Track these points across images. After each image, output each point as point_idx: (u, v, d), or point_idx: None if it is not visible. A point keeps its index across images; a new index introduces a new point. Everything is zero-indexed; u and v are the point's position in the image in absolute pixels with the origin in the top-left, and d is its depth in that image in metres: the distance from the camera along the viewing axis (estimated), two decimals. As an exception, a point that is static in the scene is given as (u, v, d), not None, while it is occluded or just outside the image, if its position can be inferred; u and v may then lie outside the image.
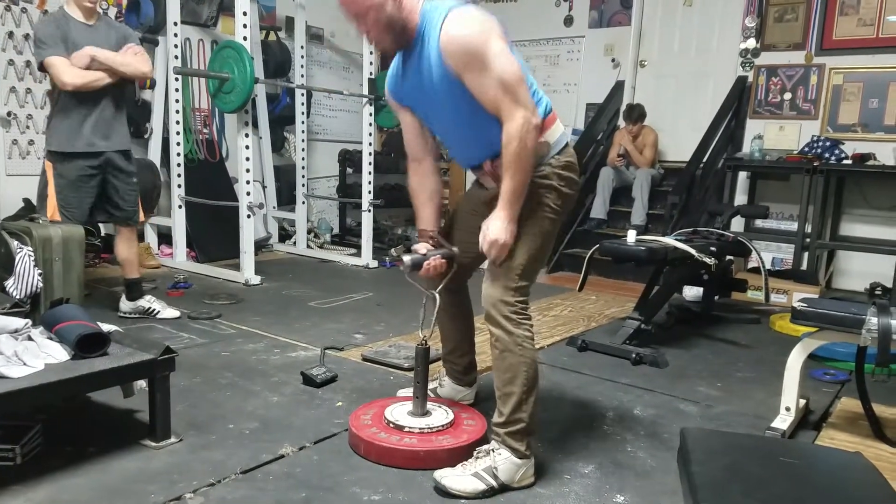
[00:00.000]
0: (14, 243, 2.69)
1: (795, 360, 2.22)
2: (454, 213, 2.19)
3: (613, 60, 5.97)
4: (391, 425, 2.00)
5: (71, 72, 2.93)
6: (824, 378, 2.84)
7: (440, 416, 2.06)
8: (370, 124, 5.06)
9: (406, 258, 1.99)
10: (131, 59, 3.08)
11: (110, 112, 3.12)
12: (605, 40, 5.95)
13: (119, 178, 3.20)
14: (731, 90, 5.30)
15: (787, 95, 5.23)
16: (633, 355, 2.98)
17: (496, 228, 1.78)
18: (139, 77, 3.21)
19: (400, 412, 2.07)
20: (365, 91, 5.00)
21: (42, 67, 2.99)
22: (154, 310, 3.33)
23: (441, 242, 2.05)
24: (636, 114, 5.37)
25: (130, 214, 3.28)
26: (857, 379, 2.29)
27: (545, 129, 1.86)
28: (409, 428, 1.98)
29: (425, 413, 2.06)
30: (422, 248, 2.03)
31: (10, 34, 4.16)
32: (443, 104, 1.83)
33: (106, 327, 2.11)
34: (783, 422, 2.21)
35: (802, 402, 2.36)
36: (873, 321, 2.03)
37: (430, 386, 2.28)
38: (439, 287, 2.04)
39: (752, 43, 5.34)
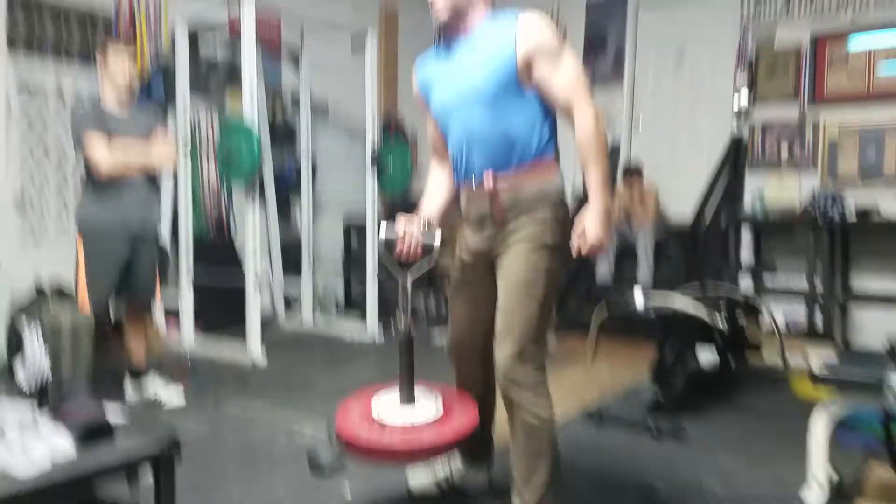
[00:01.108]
0: (25, 331, 2.69)
1: (819, 427, 2.16)
2: (455, 285, 2.11)
3: (607, 122, 6.06)
4: (376, 422, 1.90)
5: (106, 155, 3.02)
6: (851, 444, 2.74)
7: (428, 409, 1.96)
8: (373, 191, 5.11)
9: (381, 234, 1.96)
10: (156, 153, 3.19)
11: (144, 191, 3.19)
12: (598, 102, 6.03)
13: (144, 260, 3.22)
14: (727, 146, 5.34)
15: (784, 149, 5.27)
16: (652, 428, 2.90)
17: (594, 226, 1.77)
18: (163, 168, 3.38)
19: (388, 403, 1.98)
20: (368, 159, 5.08)
21: (79, 152, 3.08)
22: (158, 395, 3.29)
23: (429, 226, 1.99)
24: (633, 171, 5.41)
25: (149, 297, 3.31)
26: (887, 444, 2.22)
27: (553, 170, 1.88)
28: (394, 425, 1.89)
29: (412, 404, 1.96)
30: (403, 225, 1.97)
31: (28, 120, 4.25)
32: (481, 94, 1.83)
33: (112, 415, 2.08)
34: (811, 493, 2.14)
35: (830, 470, 2.28)
36: (896, 382, 1.98)
37: (441, 475, 2.22)
38: (412, 276, 1.96)
39: (744, 99, 5.42)
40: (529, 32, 1.79)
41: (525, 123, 1.84)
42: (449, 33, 1.93)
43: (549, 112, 1.88)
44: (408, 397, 1.95)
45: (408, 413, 1.90)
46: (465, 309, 2.08)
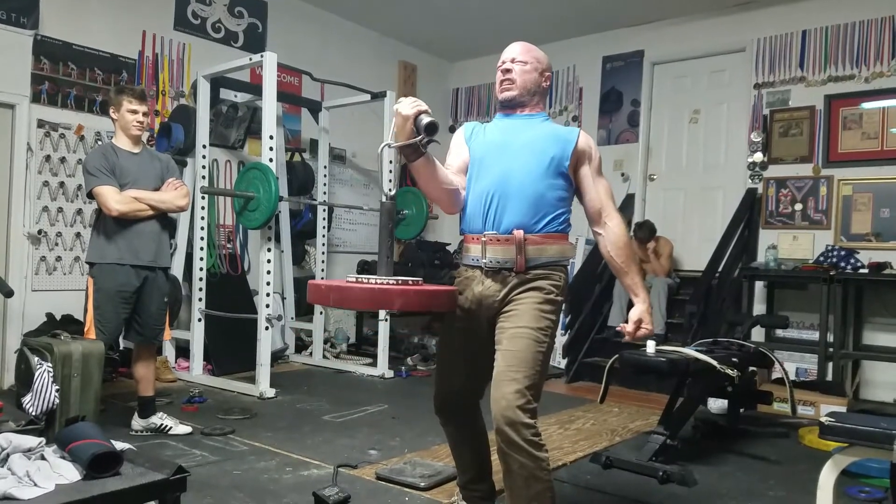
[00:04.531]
0: (35, 359, 2.73)
1: (827, 479, 2.13)
2: (451, 336, 2.13)
3: (623, 175, 6.15)
4: (356, 280, 1.82)
5: (117, 199, 3.12)
6: (860, 496, 2.70)
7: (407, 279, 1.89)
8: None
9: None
10: (169, 196, 3.28)
11: (156, 229, 3.27)
12: (614, 156, 6.16)
13: (154, 296, 3.28)
14: (741, 201, 5.39)
15: (798, 206, 5.30)
16: (660, 473, 2.85)
17: (648, 318, 2.00)
18: (176, 211, 3.47)
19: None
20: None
21: (91, 195, 3.17)
22: (166, 426, 3.30)
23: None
24: (646, 231, 5.42)
25: (156, 333, 3.35)
26: (893, 497, 2.18)
27: (570, 243, 2.05)
28: (375, 280, 1.81)
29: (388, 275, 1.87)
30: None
31: (48, 157, 4.40)
32: (538, 154, 2.00)
33: (119, 445, 2.09)
34: (820, 545, 2.09)
35: (840, 524, 2.24)
36: (904, 436, 1.95)
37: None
38: (395, 143, 1.87)
39: (759, 156, 5.49)
40: (588, 141, 2.08)
41: (558, 200, 2.02)
42: (507, 109, 2.12)
43: (570, 208, 2.09)
44: (387, 272, 1.87)
45: (384, 278, 1.84)
46: (462, 359, 2.10)
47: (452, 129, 7.05)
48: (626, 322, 2.04)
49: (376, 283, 1.78)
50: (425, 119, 1.82)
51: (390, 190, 1.99)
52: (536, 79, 2.10)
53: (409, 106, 1.82)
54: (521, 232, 1.95)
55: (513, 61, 2.09)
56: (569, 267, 2.11)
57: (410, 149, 1.85)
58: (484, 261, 2.00)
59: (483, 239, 2.00)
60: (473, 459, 2.20)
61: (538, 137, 2.04)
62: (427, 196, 2.04)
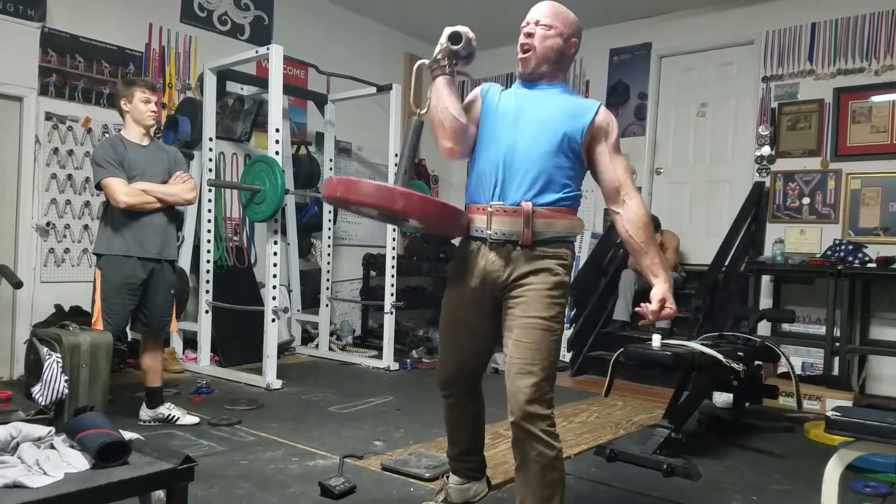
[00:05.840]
0: (44, 350, 2.75)
1: (832, 473, 2.12)
2: (450, 320, 2.12)
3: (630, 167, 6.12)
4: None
5: (125, 191, 3.13)
6: (865, 491, 2.69)
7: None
8: (394, 229, 5.18)
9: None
10: (177, 189, 3.30)
11: (163, 222, 3.28)
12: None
13: (160, 288, 3.30)
14: (748, 195, 5.37)
15: (806, 200, 5.27)
16: (665, 466, 2.86)
17: (671, 299, 1.94)
18: (183, 205, 3.47)
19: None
20: (389, 199, 5.15)
21: (99, 187, 3.19)
22: (174, 416, 3.33)
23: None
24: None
25: (163, 325, 3.37)
26: (901, 493, 2.18)
27: (578, 218, 2.00)
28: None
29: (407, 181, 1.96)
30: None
31: (56, 150, 4.42)
32: (551, 129, 1.93)
33: (127, 435, 2.11)
34: (824, 539, 2.09)
35: (844, 517, 2.24)
36: (911, 431, 1.95)
37: (438, 498, 2.25)
38: (435, 61, 1.98)
39: (766, 150, 5.46)
40: (607, 116, 2.00)
41: (566, 178, 1.95)
42: (527, 80, 2.05)
43: (580, 185, 2.03)
44: (402, 177, 1.94)
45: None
46: (464, 334, 2.07)
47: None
48: (642, 306, 1.98)
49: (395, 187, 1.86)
50: (451, 28, 1.90)
51: (419, 108, 2.01)
52: (560, 45, 1.99)
53: (452, 27, 1.90)
54: (530, 204, 1.89)
55: (537, 23, 2.00)
56: (575, 244, 2.09)
57: (437, 63, 1.94)
58: (489, 232, 1.93)
59: (489, 210, 1.93)
60: (470, 433, 2.21)
61: (552, 112, 1.95)
62: (433, 122, 1.95)
